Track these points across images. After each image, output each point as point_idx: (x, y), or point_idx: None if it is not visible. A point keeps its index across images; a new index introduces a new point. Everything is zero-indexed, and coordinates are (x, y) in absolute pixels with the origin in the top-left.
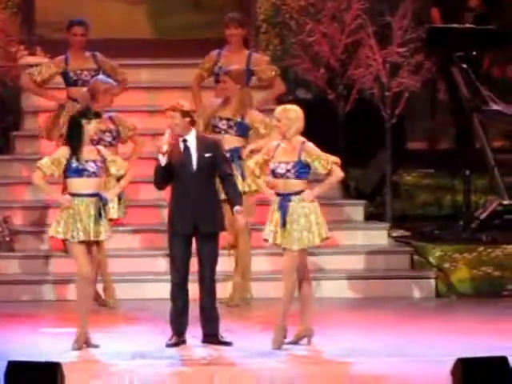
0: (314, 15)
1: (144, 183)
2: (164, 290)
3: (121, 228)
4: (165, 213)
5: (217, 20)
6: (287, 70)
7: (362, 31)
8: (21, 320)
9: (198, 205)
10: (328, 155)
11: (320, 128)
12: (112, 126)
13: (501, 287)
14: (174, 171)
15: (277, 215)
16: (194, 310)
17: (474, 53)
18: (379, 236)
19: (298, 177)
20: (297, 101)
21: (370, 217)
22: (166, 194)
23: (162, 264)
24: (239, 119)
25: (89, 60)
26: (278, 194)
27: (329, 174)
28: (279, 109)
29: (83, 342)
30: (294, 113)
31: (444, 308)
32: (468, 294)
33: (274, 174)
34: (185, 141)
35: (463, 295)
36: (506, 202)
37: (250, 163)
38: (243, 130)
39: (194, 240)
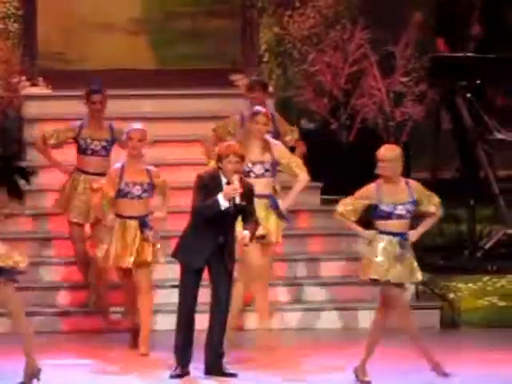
0: (316, 45)
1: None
2: (166, 321)
3: None
4: None
5: (219, 50)
6: (290, 99)
7: (365, 61)
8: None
9: (219, 245)
10: (429, 192)
11: (323, 158)
12: (147, 179)
13: (507, 317)
14: None
15: (393, 253)
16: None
17: (478, 82)
18: None
19: (410, 216)
20: (300, 131)
21: None
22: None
23: (165, 295)
24: (271, 161)
25: (104, 130)
26: (392, 234)
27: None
28: (382, 150)
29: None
30: (397, 152)
31: (449, 339)
32: (473, 324)
33: (390, 216)
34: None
35: (468, 326)
36: (511, 232)
37: (345, 211)
38: (275, 171)
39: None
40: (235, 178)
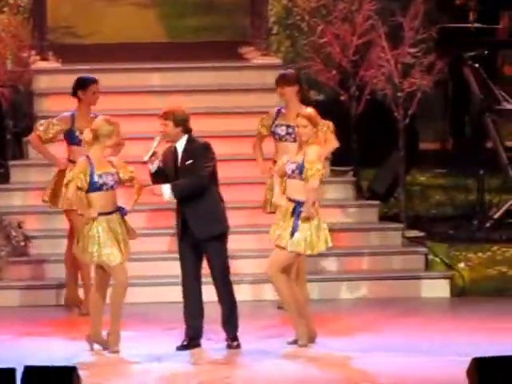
0: (325, 16)
1: None
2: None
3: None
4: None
5: (228, 23)
6: (299, 71)
7: (373, 32)
8: (36, 325)
9: (184, 212)
10: None
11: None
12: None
13: None
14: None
15: None
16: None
17: (486, 52)
18: (393, 237)
19: None
20: (309, 102)
21: (384, 218)
22: None
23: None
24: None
25: (93, 121)
26: None
27: None
28: None
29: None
30: None
31: (459, 308)
32: (483, 293)
33: None
34: (175, 148)
35: (478, 295)
36: None
37: None
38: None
39: None
40: (157, 138)
